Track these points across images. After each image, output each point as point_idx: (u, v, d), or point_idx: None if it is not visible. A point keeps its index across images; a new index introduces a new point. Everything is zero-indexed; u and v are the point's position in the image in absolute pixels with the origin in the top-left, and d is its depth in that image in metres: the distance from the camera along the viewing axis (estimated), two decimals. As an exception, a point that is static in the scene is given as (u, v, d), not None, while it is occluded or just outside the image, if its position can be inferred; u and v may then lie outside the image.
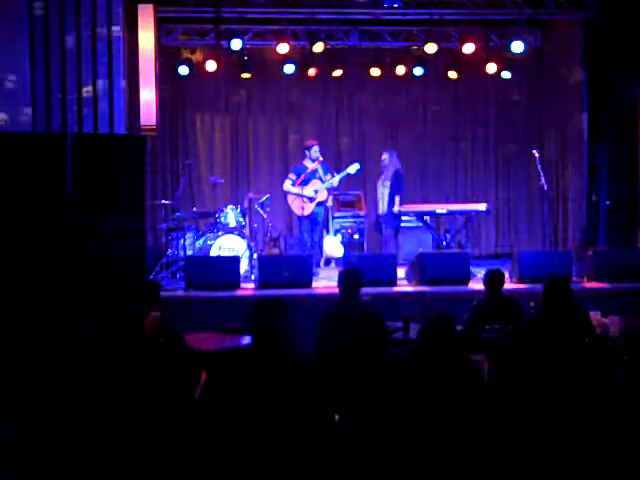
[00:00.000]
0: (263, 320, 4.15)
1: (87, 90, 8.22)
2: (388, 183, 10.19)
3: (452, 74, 11.99)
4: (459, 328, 5.64)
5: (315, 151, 9.93)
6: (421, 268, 8.78)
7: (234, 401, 3.92)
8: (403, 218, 10.53)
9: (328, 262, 10.77)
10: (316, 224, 10.00)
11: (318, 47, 11.15)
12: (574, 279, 8.64)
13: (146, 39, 9.28)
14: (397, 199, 10.07)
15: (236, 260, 8.85)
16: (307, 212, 9.85)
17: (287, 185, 9.97)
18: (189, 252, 9.63)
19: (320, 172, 9.90)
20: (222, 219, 10.00)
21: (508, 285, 7.69)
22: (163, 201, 10.60)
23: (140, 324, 5.07)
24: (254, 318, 4.20)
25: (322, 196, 9.88)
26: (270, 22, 11.17)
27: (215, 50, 11.21)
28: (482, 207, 9.97)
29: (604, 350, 5.31)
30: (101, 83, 8.27)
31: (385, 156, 10.44)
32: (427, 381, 4.02)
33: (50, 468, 3.56)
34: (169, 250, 9.90)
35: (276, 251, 10.83)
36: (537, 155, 9.85)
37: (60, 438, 3.60)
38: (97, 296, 7.01)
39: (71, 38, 8.20)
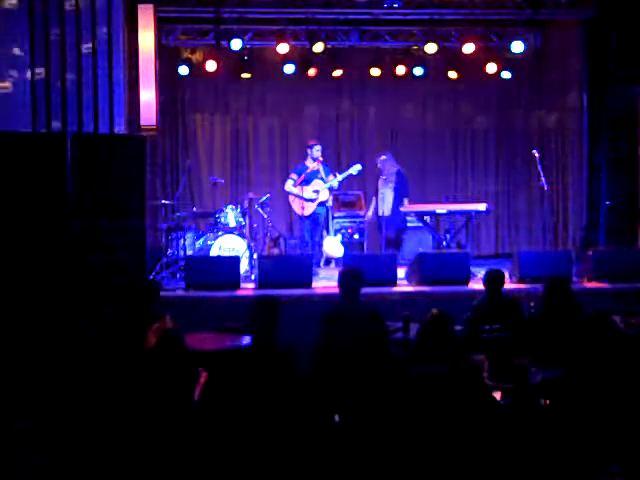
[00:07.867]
0: (256, 319, 4.16)
1: (87, 89, 8.24)
2: (392, 185, 10.19)
3: (452, 74, 11.98)
4: (459, 328, 5.65)
5: (317, 150, 9.94)
6: (421, 268, 8.77)
7: (234, 401, 3.92)
8: (403, 218, 10.56)
9: (328, 262, 10.76)
10: (317, 224, 10.00)
11: (318, 47, 11.13)
12: (574, 279, 8.64)
13: (146, 39, 9.28)
14: (406, 200, 10.22)
15: (236, 260, 8.84)
16: (308, 212, 9.85)
17: (288, 185, 9.99)
18: (189, 252, 9.63)
19: (322, 172, 9.89)
20: (222, 219, 9.99)
21: (508, 285, 7.68)
22: (163, 201, 10.58)
23: (140, 326, 5.06)
24: (248, 317, 4.21)
25: (323, 196, 9.88)
26: (270, 22, 11.16)
27: (215, 50, 11.20)
28: (482, 207, 9.96)
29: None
30: (101, 83, 8.29)
31: (383, 158, 10.43)
32: (426, 381, 4.01)
33: (52, 470, 3.56)
34: (169, 250, 9.89)
35: (276, 251, 10.82)
36: (537, 155, 9.83)
37: (60, 438, 3.60)
38: (97, 296, 7.02)
39: (71, 38, 8.23)
